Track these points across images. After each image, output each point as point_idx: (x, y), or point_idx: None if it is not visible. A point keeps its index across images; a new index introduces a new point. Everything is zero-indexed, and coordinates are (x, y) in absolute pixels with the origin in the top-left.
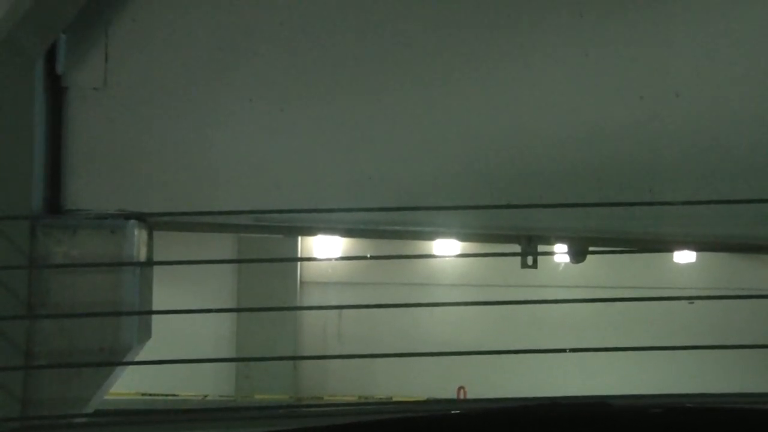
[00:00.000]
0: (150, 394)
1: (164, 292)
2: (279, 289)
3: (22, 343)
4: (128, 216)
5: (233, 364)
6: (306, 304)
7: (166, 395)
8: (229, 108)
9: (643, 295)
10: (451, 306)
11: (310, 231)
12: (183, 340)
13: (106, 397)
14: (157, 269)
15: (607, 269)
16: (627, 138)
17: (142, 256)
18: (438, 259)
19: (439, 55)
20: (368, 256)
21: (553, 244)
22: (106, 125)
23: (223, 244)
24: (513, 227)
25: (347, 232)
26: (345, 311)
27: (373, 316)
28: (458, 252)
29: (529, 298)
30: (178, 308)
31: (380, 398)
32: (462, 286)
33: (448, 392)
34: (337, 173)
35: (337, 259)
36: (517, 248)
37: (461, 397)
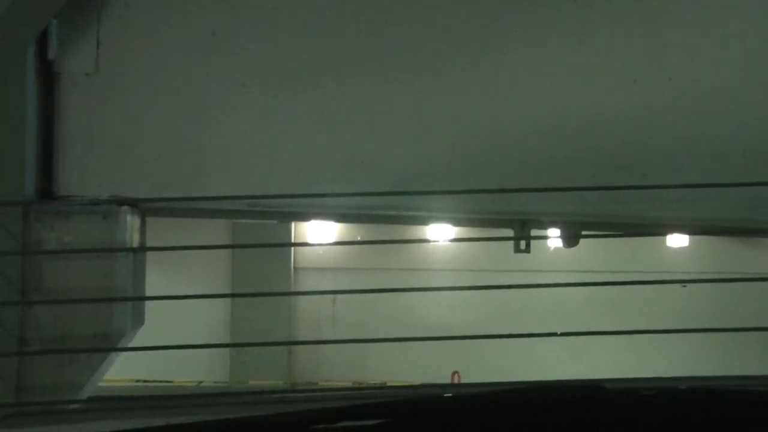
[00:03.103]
0: (144, 381)
1: (158, 278)
2: (273, 275)
3: (15, 329)
4: (121, 202)
5: (228, 349)
6: (300, 289)
7: (161, 381)
8: (223, 93)
9: (636, 279)
10: (444, 290)
11: (304, 216)
12: (177, 326)
13: (100, 384)
14: (150, 256)
15: (600, 253)
16: (620, 122)
17: (135, 242)
18: (432, 243)
19: (431, 40)
20: (362, 240)
21: (546, 228)
22: (98, 111)
23: (217, 230)
24: (506, 212)
25: (341, 217)
26: (339, 296)
27: (367, 301)
28: (452, 237)
29: (523, 282)
30: (172, 294)
31: (374, 383)
32: (456, 270)
33: (443, 377)
34: (331, 158)
35: (330, 245)
36: (510, 233)
37: (455, 381)
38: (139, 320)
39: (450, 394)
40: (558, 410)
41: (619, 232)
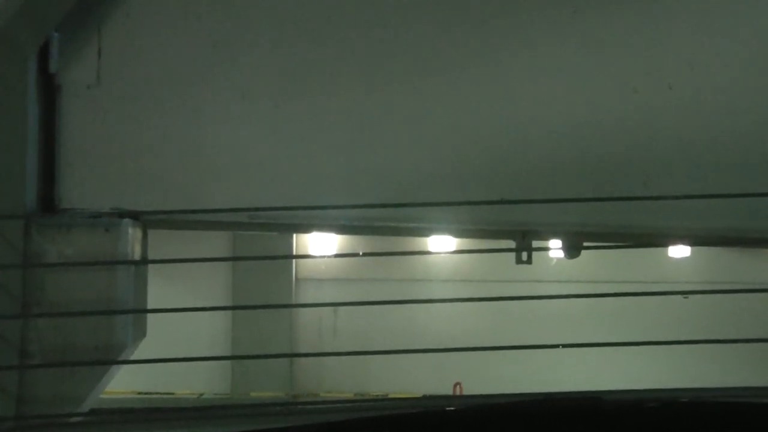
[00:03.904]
0: (145, 393)
1: (159, 290)
2: (274, 286)
3: (16, 342)
4: (122, 214)
5: (229, 361)
6: (301, 300)
7: (162, 393)
8: (223, 104)
9: (638, 290)
10: (446, 302)
11: (305, 228)
12: (178, 338)
13: (101, 396)
14: (152, 268)
15: (601, 264)
16: (621, 131)
17: (137, 254)
18: (433, 255)
19: (432, 50)
20: (360, 253)
21: (547, 239)
22: (99, 123)
23: (218, 242)
24: (507, 223)
25: (342, 229)
26: (341, 307)
27: (368, 312)
28: (453, 248)
29: (525, 293)
30: (174, 306)
31: (376, 395)
32: (457, 281)
33: (445, 388)
34: (332, 170)
35: (332, 257)
36: (511, 244)
37: (457, 393)
38: (140, 332)
39: (452, 408)
40: (559, 422)
41: (620, 243)
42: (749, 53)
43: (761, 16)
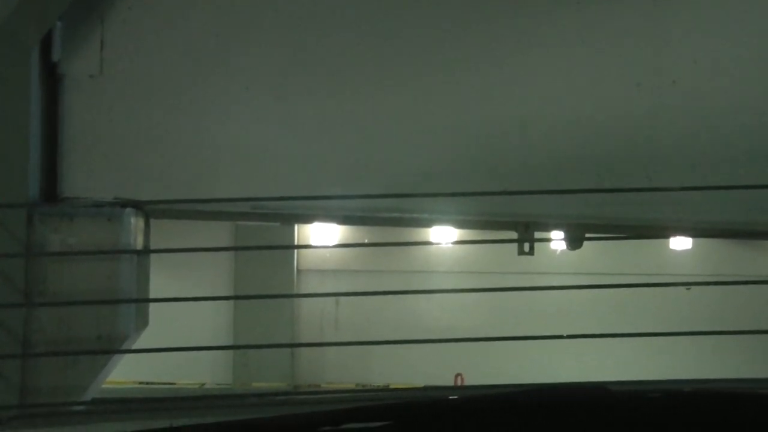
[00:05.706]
0: (147, 383)
1: (161, 280)
2: (276, 277)
3: (19, 331)
4: (125, 204)
5: (231, 351)
6: (303, 291)
7: (164, 383)
8: (226, 96)
9: (640, 282)
10: (448, 293)
11: (307, 218)
12: (180, 329)
13: (103, 386)
14: (154, 257)
15: (603, 256)
16: (624, 125)
17: (139, 244)
18: (435, 246)
19: (436, 43)
20: (365, 242)
21: (550, 230)
22: (102, 113)
23: (220, 232)
24: (510, 214)
25: (344, 220)
26: (342, 298)
27: (370, 303)
28: (455, 239)
29: (527, 285)
30: (176, 296)
31: (378, 386)
32: (459, 273)
33: (446, 379)
34: (334, 160)
35: (333, 247)
36: (514, 235)
37: (459, 384)
38: (142, 322)
39: (455, 396)
40: (563, 412)
41: (622, 235)
42: (753, 49)
43: (765, 13)
